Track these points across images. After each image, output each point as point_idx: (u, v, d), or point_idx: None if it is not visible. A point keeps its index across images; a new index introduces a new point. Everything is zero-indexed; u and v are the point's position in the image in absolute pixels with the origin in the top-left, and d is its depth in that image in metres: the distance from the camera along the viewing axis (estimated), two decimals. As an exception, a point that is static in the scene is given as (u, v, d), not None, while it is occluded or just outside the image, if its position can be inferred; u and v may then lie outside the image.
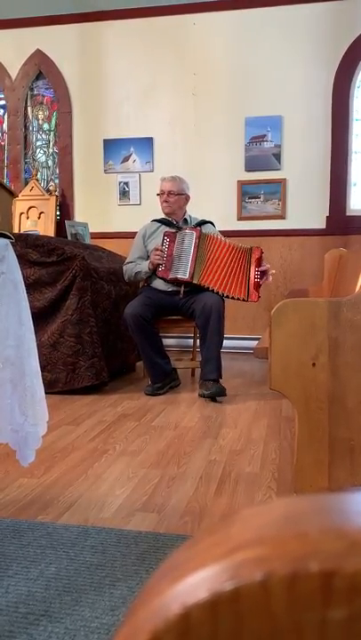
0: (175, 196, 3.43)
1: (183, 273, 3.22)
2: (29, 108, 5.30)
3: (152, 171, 4.91)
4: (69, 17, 4.96)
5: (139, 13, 4.83)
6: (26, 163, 5.36)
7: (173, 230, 3.35)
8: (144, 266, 3.34)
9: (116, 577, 1.36)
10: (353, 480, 1.59)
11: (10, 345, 1.45)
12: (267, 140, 4.72)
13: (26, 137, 5.33)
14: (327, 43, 4.57)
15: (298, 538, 0.20)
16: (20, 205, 4.91)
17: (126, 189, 5.02)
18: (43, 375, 1.68)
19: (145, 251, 3.44)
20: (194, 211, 3.66)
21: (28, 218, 4.97)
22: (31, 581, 1.35)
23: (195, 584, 0.20)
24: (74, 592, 1.30)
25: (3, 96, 5.31)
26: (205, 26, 4.75)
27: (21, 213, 4.95)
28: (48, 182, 5.31)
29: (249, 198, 4.77)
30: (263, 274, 3.25)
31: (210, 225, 3.53)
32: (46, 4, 4.88)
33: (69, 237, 4.47)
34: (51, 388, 3.09)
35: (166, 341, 3.82)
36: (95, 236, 4.86)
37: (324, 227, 4.65)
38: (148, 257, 3.36)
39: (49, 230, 4.87)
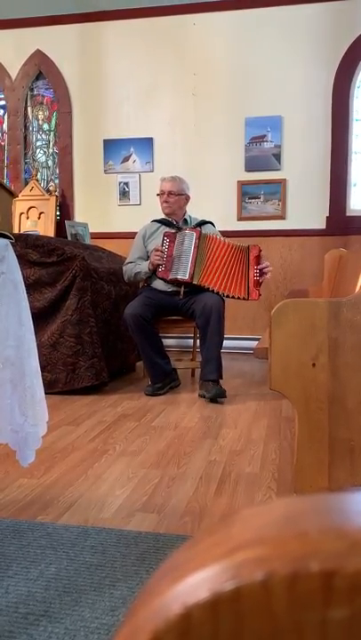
0: (175, 196, 3.43)
1: (183, 274, 3.22)
2: (29, 109, 5.30)
3: (152, 171, 4.91)
4: (70, 17, 4.96)
5: (139, 13, 4.83)
6: (26, 163, 5.36)
7: (173, 231, 3.35)
8: (144, 266, 3.34)
9: (116, 577, 1.36)
10: (353, 480, 1.59)
11: (10, 345, 1.45)
12: (267, 141, 4.72)
13: (26, 137, 5.33)
14: (327, 43, 4.57)
15: (298, 538, 0.20)
16: (19, 205, 4.91)
17: (126, 189, 5.02)
18: (43, 375, 1.68)
19: (145, 251, 3.44)
20: (194, 211, 3.66)
21: (28, 218, 4.97)
22: (31, 582, 1.35)
23: (195, 584, 0.20)
24: (74, 592, 1.30)
25: (3, 96, 5.31)
26: (205, 26, 4.75)
27: (21, 213, 4.95)
28: (48, 182, 5.31)
29: (249, 198, 4.78)
30: (263, 271, 3.25)
31: (210, 225, 3.53)
32: (47, 4, 4.88)
33: (69, 238, 4.47)
34: (51, 388, 3.09)
35: (166, 341, 3.82)
36: (95, 236, 4.86)
37: (324, 227, 4.65)
38: (148, 257, 3.36)
39: (49, 230, 4.87)
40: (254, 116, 4.72)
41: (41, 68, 5.15)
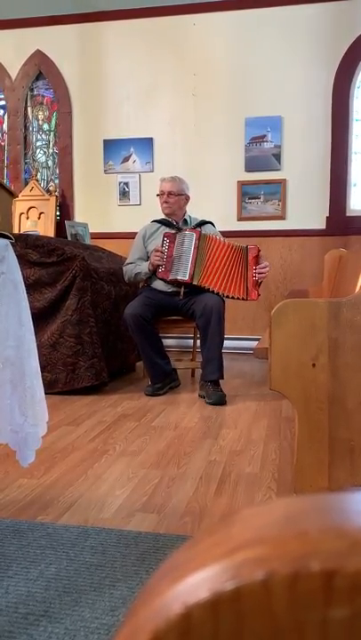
0: (175, 196, 3.43)
1: (183, 274, 3.23)
2: (29, 109, 5.31)
3: (152, 171, 4.91)
4: (69, 17, 4.96)
5: (139, 14, 4.83)
6: (26, 163, 5.36)
7: (173, 231, 3.35)
8: (144, 267, 3.34)
9: (116, 577, 1.36)
10: (353, 480, 1.59)
11: (10, 345, 1.45)
12: (267, 141, 4.72)
13: (26, 137, 5.33)
14: (327, 43, 4.57)
15: (298, 537, 0.20)
16: (19, 206, 4.91)
17: (126, 190, 5.02)
18: (43, 375, 1.68)
19: (145, 251, 3.44)
20: (194, 211, 3.66)
21: (27, 218, 4.97)
22: (31, 582, 1.35)
23: (195, 584, 0.20)
24: (74, 592, 1.30)
25: (3, 96, 5.31)
26: (205, 26, 4.75)
27: (21, 214, 4.95)
28: (48, 182, 5.31)
29: (249, 199, 4.78)
30: (261, 272, 3.25)
31: (210, 225, 3.53)
32: (46, 4, 4.88)
33: (69, 238, 4.47)
34: (51, 388, 3.09)
35: (166, 342, 3.82)
36: (95, 236, 4.86)
37: (324, 227, 4.65)
38: (148, 258, 3.36)
39: (49, 231, 4.87)
40: (254, 116, 4.72)
41: (41, 68, 5.16)
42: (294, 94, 4.64)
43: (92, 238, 4.80)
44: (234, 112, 4.75)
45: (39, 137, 5.34)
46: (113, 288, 3.56)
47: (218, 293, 3.22)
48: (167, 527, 1.64)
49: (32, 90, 5.27)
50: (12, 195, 4.20)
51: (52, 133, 5.29)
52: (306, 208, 4.69)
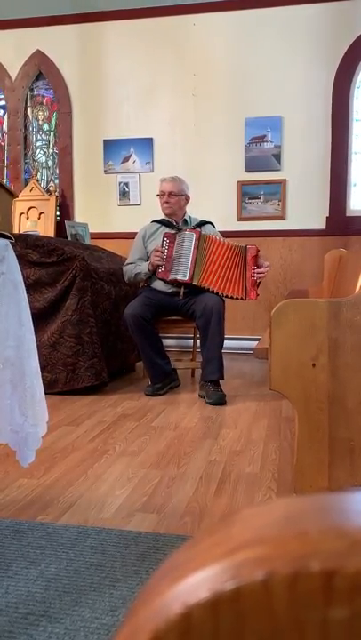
0: (176, 196, 3.43)
1: (183, 274, 3.23)
2: (29, 109, 5.31)
3: (152, 171, 4.91)
4: (69, 17, 4.96)
5: (139, 14, 4.83)
6: (26, 163, 5.36)
7: (173, 231, 3.35)
8: (144, 267, 3.34)
9: (116, 577, 1.36)
10: (353, 480, 1.59)
11: (10, 345, 1.45)
12: (267, 141, 4.72)
13: (26, 137, 5.33)
14: (327, 43, 4.57)
15: (299, 537, 0.20)
16: (19, 206, 4.91)
17: (126, 190, 5.02)
18: (43, 375, 1.68)
19: (145, 252, 3.44)
20: (194, 211, 3.66)
21: (27, 218, 4.97)
22: (31, 582, 1.35)
23: (196, 584, 0.20)
24: (74, 592, 1.30)
25: (3, 96, 5.31)
26: (205, 26, 4.75)
27: (21, 214, 4.95)
28: (48, 183, 5.31)
29: (249, 199, 4.78)
30: (260, 272, 3.25)
31: (210, 225, 3.53)
32: (46, 4, 4.88)
33: (69, 238, 4.48)
34: (51, 388, 3.09)
35: (166, 342, 3.82)
36: (95, 236, 4.86)
37: (324, 227, 4.65)
38: (148, 258, 3.36)
39: (49, 231, 4.87)
40: (254, 116, 4.72)
41: (41, 69, 5.16)
42: (294, 94, 4.64)
43: (92, 238, 4.81)
44: (234, 112, 4.75)
45: (39, 137, 5.34)
46: (113, 288, 3.56)
47: (217, 293, 3.22)
48: (167, 527, 1.64)
49: (32, 90, 5.27)
50: (12, 195, 4.20)
51: (52, 133, 5.29)
52: (306, 208, 4.69)
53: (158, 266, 3.26)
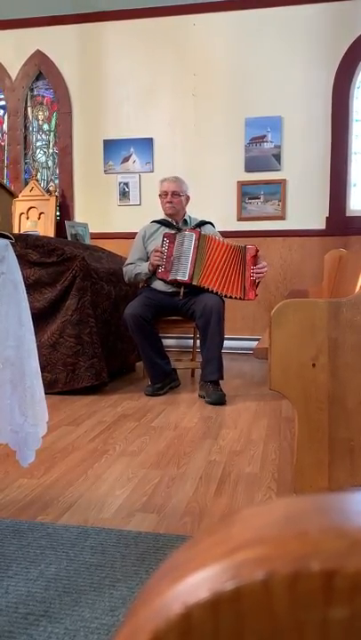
0: (178, 196, 3.44)
1: (183, 274, 3.23)
2: (29, 109, 5.31)
3: (152, 171, 4.91)
4: (69, 17, 4.96)
5: (139, 14, 4.83)
6: (26, 163, 5.36)
7: (173, 232, 3.36)
8: (144, 267, 3.35)
9: (116, 577, 1.36)
10: (353, 480, 1.59)
11: (10, 345, 1.45)
12: (267, 141, 4.72)
13: (26, 137, 5.33)
14: (327, 43, 4.57)
15: (299, 537, 0.20)
16: (19, 206, 4.91)
17: (126, 190, 5.02)
18: (43, 375, 1.68)
19: (145, 252, 3.44)
20: (194, 211, 3.66)
21: (27, 218, 4.97)
22: (31, 582, 1.35)
23: (196, 584, 0.20)
24: (74, 592, 1.30)
25: (3, 96, 5.31)
26: (205, 26, 4.75)
27: (21, 214, 4.95)
28: (48, 183, 5.31)
29: (249, 199, 4.78)
30: (259, 272, 3.25)
31: (209, 225, 3.53)
32: (46, 4, 4.88)
33: (69, 238, 4.48)
34: (51, 388, 3.09)
35: (166, 342, 3.82)
36: (95, 236, 4.86)
37: (323, 227, 4.65)
38: (148, 258, 3.36)
39: (49, 231, 4.87)
40: (254, 116, 4.72)
41: (41, 69, 5.16)
42: (294, 94, 4.64)
43: (91, 238, 4.81)
44: (234, 112, 4.75)
45: (39, 137, 5.34)
46: (113, 288, 3.56)
47: (217, 293, 3.22)
48: (167, 527, 1.64)
49: (32, 90, 5.27)
50: (12, 195, 4.20)
51: (52, 133, 5.29)
52: (306, 208, 4.69)
53: (158, 266, 3.26)
